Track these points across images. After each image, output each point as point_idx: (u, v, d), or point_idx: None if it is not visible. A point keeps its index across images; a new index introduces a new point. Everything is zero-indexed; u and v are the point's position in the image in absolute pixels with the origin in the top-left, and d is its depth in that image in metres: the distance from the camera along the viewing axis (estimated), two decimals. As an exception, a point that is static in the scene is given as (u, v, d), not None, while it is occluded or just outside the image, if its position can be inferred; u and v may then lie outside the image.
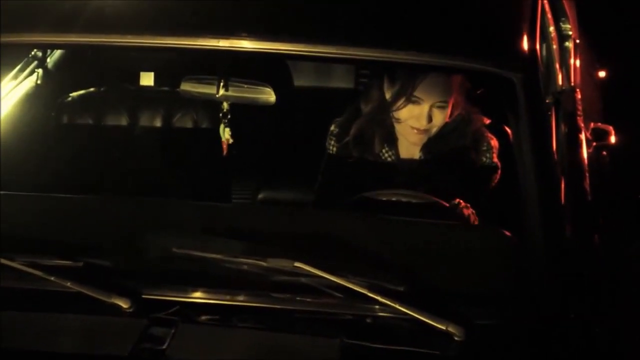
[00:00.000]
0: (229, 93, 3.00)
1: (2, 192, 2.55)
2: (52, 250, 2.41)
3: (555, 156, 2.59)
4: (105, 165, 3.39)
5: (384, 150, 3.02)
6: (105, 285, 2.31)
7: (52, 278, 2.32)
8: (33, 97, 3.61)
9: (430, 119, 2.92)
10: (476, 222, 2.83)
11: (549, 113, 2.80)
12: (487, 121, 3.07)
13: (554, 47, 3.32)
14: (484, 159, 3.00)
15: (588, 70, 4.00)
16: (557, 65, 3.30)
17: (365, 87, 3.47)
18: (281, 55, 2.58)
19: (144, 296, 2.32)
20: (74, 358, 2.20)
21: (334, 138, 3.07)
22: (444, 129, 2.98)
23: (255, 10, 2.59)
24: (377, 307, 2.26)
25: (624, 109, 4.08)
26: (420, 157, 3.01)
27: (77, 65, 3.85)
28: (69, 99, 3.64)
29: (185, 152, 3.54)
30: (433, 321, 2.20)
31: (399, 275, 2.30)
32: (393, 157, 3.02)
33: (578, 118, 3.25)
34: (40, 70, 3.69)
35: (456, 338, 2.19)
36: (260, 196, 3.79)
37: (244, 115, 3.46)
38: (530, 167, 2.44)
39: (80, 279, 2.32)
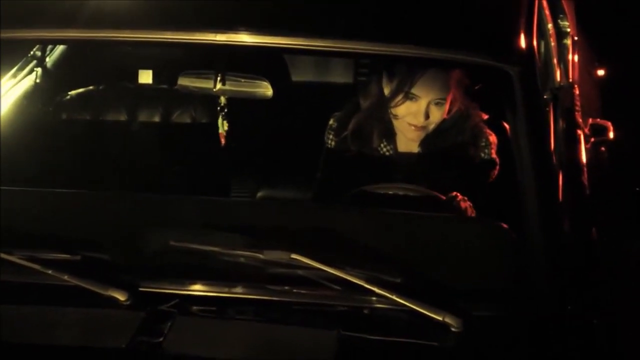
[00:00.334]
0: (227, 87, 3.01)
1: (1, 188, 2.56)
2: (50, 244, 2.42)
3: (554, 151, 2.59)
4: (104, 161, 3.40)
5: (382, 145, 3.02)
6: (103, 279, 2.31)
7: (50, 272, 2.33)
8: (32, 95, 3.62)
9: (427, 115, 2.93)
10: (473, 215, 2.83)
11: (547, 109, 2.80)
12: (486, 117, 3.07)
13: (552, 43, 3.33)
14: (483, 154, 3.00)
15: (586, 67, 4.00)
16: (555, 62, 3.30)
17: (364, 82, 3.47)
18: (279, 50, 2.59)
19: (141, 289, 2.32)
20: (72, 351, 2.20)
21: (332, 132, 3.07)
22: (443, 124, 2.98)
23: (252, 4, 2.59)
24: (374, 298, 2.26)
25: (623, 106, 4.08)
26: (418, 152, 3.01)
27: (76, 64, 3.85)
28: (68, 96, 3.65)
29: (183, 148, 3.54)
30: (430, 312, 2.20)
31: (396, 267, 2.30)
32: (391, 152, 3.03)
33: (576, 114, 3.26)
34: (39, 69, 3.69)
35: (453, 329, 2.20)
36: (259, 194, 3.79)
37: (242, 110, 3.46)
38: (528, 160, 2.44)
39: (78, 273, 2.32)
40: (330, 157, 3.07)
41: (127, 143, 3.50)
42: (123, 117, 3.59)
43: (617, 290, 2.62)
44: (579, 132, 3.13)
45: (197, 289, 2.34)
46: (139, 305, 2.28)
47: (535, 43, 2.63)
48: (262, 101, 3.06)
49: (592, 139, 3.31)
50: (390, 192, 2.84)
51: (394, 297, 2.22)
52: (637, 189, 3.24)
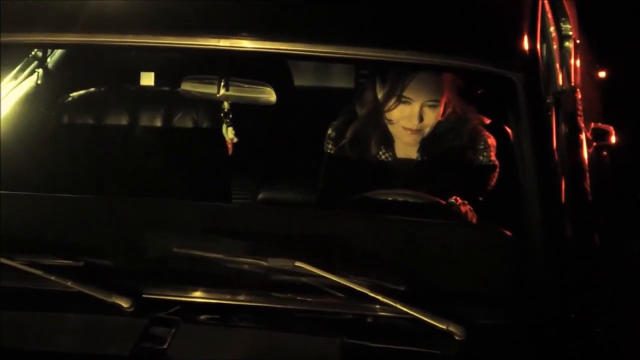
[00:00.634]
0: (230, 93, 3.00)
1: (2, 192, 2.55)
2: (53, 250, 2.42)
3: (556, 156, 2.59)
4: (106, 165, 3.39)
5: (380, 152, 3.03)
6: (106, 285, 2.31)
7: (53, 278, 2.33)
8: (33, 97, 3.61)
9: (421, 118, 2.92)
10: (474, 219, 2.83)
11: (550, 113, 2.79)
12: (487, 121, 3.07)
13: (555, 47, 3.32)
14: (481, 157, 3.00)
15: (588, 70, 4.00)
16: (558, 66, 3.29)
17: (359, 89, 3.48)
18: (282, 55, 2.58)
19: (144, 296, 2.32)
20: (75, 358, 2.20)
21: (331, 142, 3.08)
22: (440, 128, 2.98)
23: (255, 9, 2.59)
24: (377, 306, 2.26)
25: (625, 109, 4.07)
26: (417, 157, 3.01)
27: (77, 66, 3.85)
28: (70, 99, 3.64)
29: (185, 152, 3.54)
30: (433, 321, 2.20)
31: (399, 275, 2.30)
32: (390, 158, 3.02)
33: (578, 118, 3.25)
34: (40, 70, 3.69)
35: (457, 337, 2.20)
36: (260, 196, 3.79)
37: (245, 115, 3.46)
38: (531, 166, 2.44)
39: (81, 279, 2.32)
40: (330, 166, 3.07)
41: (128, 146, 3.50)
42: (125, 120, 3.59)
43: (618, 296, 2.62)
44: (581, 136, 3.13)
45: (201, 295, 2.34)
46: (142, 312, 2.28)
47: (538, 48, 2.63)
48: (265, 106, 3.06)
49: (594, 144, 3.31)
50: (391, 199, 2.84)
51: (398, 305, 2.22)
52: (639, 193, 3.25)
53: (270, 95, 2.99)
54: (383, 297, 2.23)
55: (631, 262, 2.95)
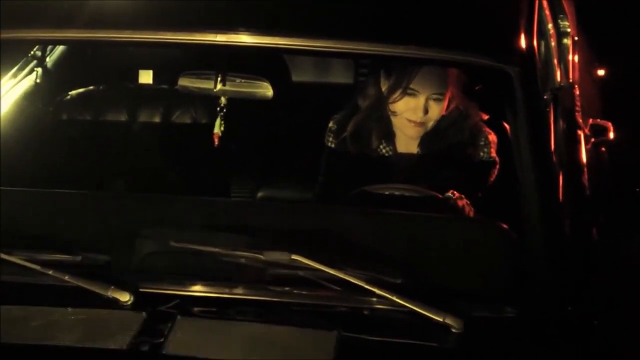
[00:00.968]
0: (227, 88, 3.01)
1: (1, 188, 2.56)
2: (51, 245, 2.42)
3: (553, 151, 2.59)
4: (104, 161, 3.40)
5: (381, 147, 3.03)
6: (104, 279, 2.31)
7: (51, 272, 2.33)
8: (33, 95, 3.62)
9: (426, 111, 2.93)
10: (471, 213, 2.84)
11: (547, 109, 2.80)
12: (486, 116, 3.08)
13: (553, 44, 3.32)
14: (482, 153, 3.01)
15: (587, 67, 4.00)
16: (556, 62, 3.30)
17: (362, 82, 3.48)
18: (279, 50, 2.60)
19: (142, 290, 2.32)
20: (73, 352, 2.19)
21: (332, 135, 3.08)
22: (442, 123, 2.98)
23: (253, 4, 2.59)
24: (374, 299, 2.26)
25: (623, 106, 4.07)
26: (418, 152, 3.02)
27: (76, 64, 3.86)
28: (69, 96, 3.65)
29: (183, 149, 3.54)
30: (430, 313, 2.20)
31: (396, 268, 2.30)
32: (391, 153, 3.03)
33: (577, 114, 3.25)
34: (39, 69, 3.70)
35: (454, 330, 2.20)
36: (259, 194, 3.79)
37: (242, 111, 3.46)
38: (528, 161, 2.45)
39: (79, 273, 2.33)
40: (330, 159, 3.08)
41: (127, 143, 3.50)
42: (123, 117, 3.59)
43: (617, 291, 2.62)
44: (579, 132, 3.13)
45: (198, 289, 2.34)
46: (139, 306, 2.28)
47: (535, 43, 2.63)
48: (262, 101, 3.06)
49: (592, 140, 3.31)
50: (390, 193, 2.84)
51: (394, 298, 2.22)
52: (638, 189, 3.24)
53: (267, 90, 3.00)
54: (380, 290, 2.23)
55: (629, 258, 2.95)
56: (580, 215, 2.64)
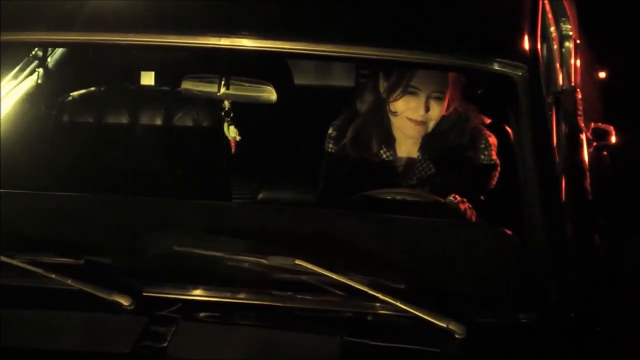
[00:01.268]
0: (230, 91, 3.00)
1: (2, 190, 2.55)
2: (53, 248, 2.42)
3: (556, 155, 2.59)
4: (106, 164, 3.39)
5: (382, 151, 3.03)
6: (106, 283, 2.32)
7: (53, 276, 2.33)
8: (34, 97, 3.61)
9: (427, 109, 2.93)
10: (473, 217, 2.84)
11: (550, 113, 2.80)
12: (488, 120, 3.07)
13: (555, 47, 3.32)
14: (482, 156, 3.01)
15: (588, 70, 4.00)
16: (558, 65, 3.30)
17: (361, 86, 3.47)
18: (282, 54, 2.59)
19: (144, 294, 2.32)
20: (76, 356, 2.20)
21: (332, 141, 3.08)
22: (442, 126, 2.98)
23: (256, 8, 2.59)
24: (377, 304, 2.27)
25: (625, 109, 4.07)
26: (418, 156, 3.01)
27: (77, 65, 3.85)
28: (70, 98, 3.64)
29: (186, 151, 3.54)
30: (434, 319, 2.20)
31: (399, 273, 2.30)
32: (391, 157, 3.03)
33: (579, 118, 3.26)
34: (40, 70, 3.69)
35: (457, 336, 2.20)
36: (260, 196, 3.79)
37: (245, 114, 3.46)
38: (531, 165, 2.45)
39: (82, 277, 2.33)
40: (331, 165, 3.08)
41: (129, 145, 3.49)
42: (125, 120, 3.59)
43: (619, 295, 2.62)
44: (582, 136, 3.13)
45: (201, 294, 2.34)
46: (142, 310, 2.29)
47: (538, 47, 2.63)
48: (265, 105, 3.06)
49: (594, 143, 3.31)
50: (392, 198, 2.84)
51: (398, 304, 2.22)
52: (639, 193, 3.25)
53: (270, 94, 2.99)
54: (383, 295, 2.23)
55: (631, 262, 2.95)
56: (582, 219, 2.64)
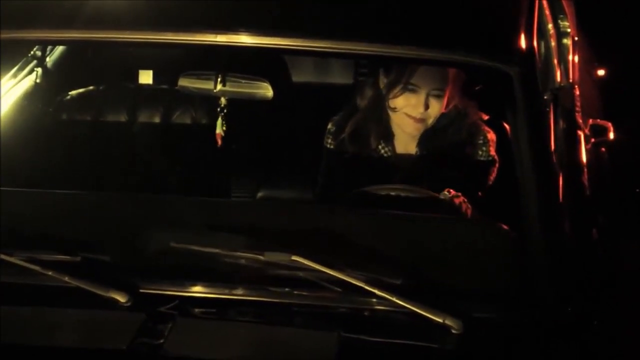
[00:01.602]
0: (227, 88, 3.01)
1: (1, 188, 2.56)
2: (51, 246, 2.42)
3: (553, 151, 2.59)
4: (104, 162, 3.40)
5: (380, 147, 3.03)
6: (103, 280, 2.32)
7: (50, 273, 2.33)
8: (32, 95, 3.62)
9: (427, 106, 2.93)
10: (469, 210, 2.84)
11: (547, 109, 2.80)
12: (486, 116, 3.07)
13: (553, 44, 3.32)
14: (480, 152, 3.01)
15: (587, 67, 3.99)
16: (555, 62, 3.30)
17: (361, 82, 3.47)
18: (280, 51, 2.59)
19: (141, 290, 2.32)
20: (73, 352, 2.20)
21: (331, 136, 3.08)
22: (440, 123, 2.98)
23: (253, 5, 2.59)
24: (374, 300, 2.26)
25: (623, 106, 4.07)
26: (416, 152, 3.02)
27: (76, 64, 3.86)
28: (68, 97, 3.65)
29: (183, 149, 3.54)
30: (430, 314, 2.20)
31: (396, 269, 2.30)
32: (390, 153, 3.03)
33: (576, 114, 3.25)
34: (39, 69, 3.69)
35: (454, 331, 2.20)
36: (259, 194, 3.79)
37: (243, 111, 3.46)
38: (528, 161, 2.44)
39: (79, 274, 2.33)
40: (329, 161, 3.08)
41: (127, 143, 3.50)
42: (123, 118, 3.59)
43: (617, 292, 2.62)
44: (579, 132, 3.13)
45: (198, 290, 2.34)
46: (139, 306, 2.29)
47: (535, 43, 2.63)
48: (262, 101, 3.06)
49: (592, 140, 3.31)
50: (389, 193, 2.84)
51: (395, 299, 2.22)
52: (638, 190, 3.23)
53: (267, 91, 3.00)
54: (380, 291, 2.23)
55: (629, 258, 2.95)
56: (580, 216, 2.64)
